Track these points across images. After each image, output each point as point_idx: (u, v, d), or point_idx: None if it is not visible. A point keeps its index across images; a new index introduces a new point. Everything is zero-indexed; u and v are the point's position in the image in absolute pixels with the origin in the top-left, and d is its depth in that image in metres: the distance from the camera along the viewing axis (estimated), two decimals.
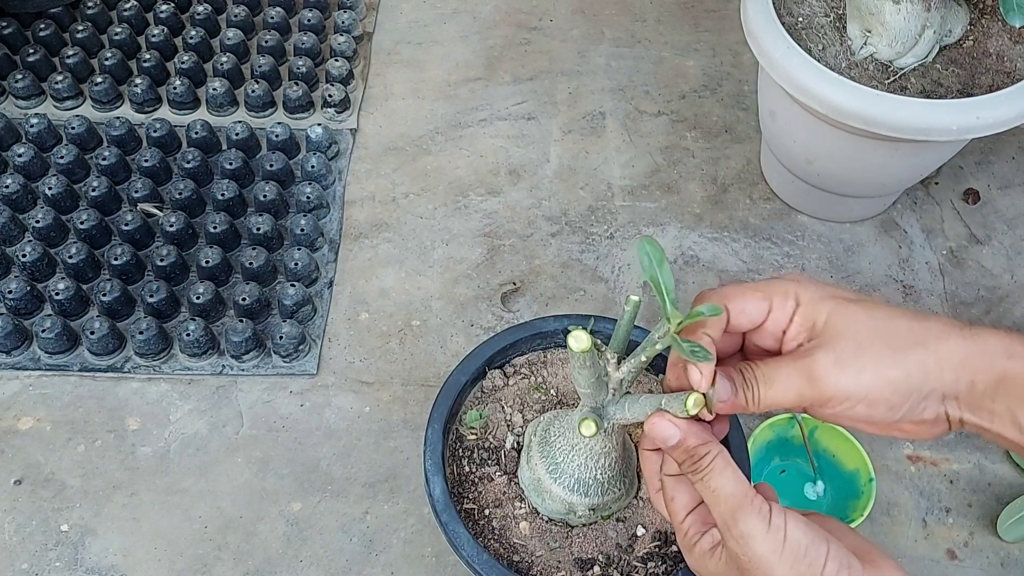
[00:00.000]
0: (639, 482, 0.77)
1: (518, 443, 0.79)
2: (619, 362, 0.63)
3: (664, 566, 0.74)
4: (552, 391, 0.83)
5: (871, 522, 0.98)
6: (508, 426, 0.80)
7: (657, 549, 0.75)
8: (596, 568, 0.73)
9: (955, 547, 0.97)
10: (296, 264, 1.12)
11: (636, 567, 0.74)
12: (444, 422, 0.76)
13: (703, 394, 0.56)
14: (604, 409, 0.66)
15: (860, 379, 0.49)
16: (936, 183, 1.29)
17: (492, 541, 0.73)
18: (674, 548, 0.75)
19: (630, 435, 0.78)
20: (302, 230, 1.16)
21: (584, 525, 0.75)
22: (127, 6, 1.40)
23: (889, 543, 0.97)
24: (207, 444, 1.02)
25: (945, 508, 1.00)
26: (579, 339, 0.58)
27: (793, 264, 1.19)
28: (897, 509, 0.99)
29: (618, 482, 0.73)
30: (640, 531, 0.76)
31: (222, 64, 1.33)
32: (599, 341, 0.63)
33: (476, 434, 0.79)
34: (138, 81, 1.30)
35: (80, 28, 1.36)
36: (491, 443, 0.79)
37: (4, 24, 1.34)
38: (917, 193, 1.27)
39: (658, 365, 0.82)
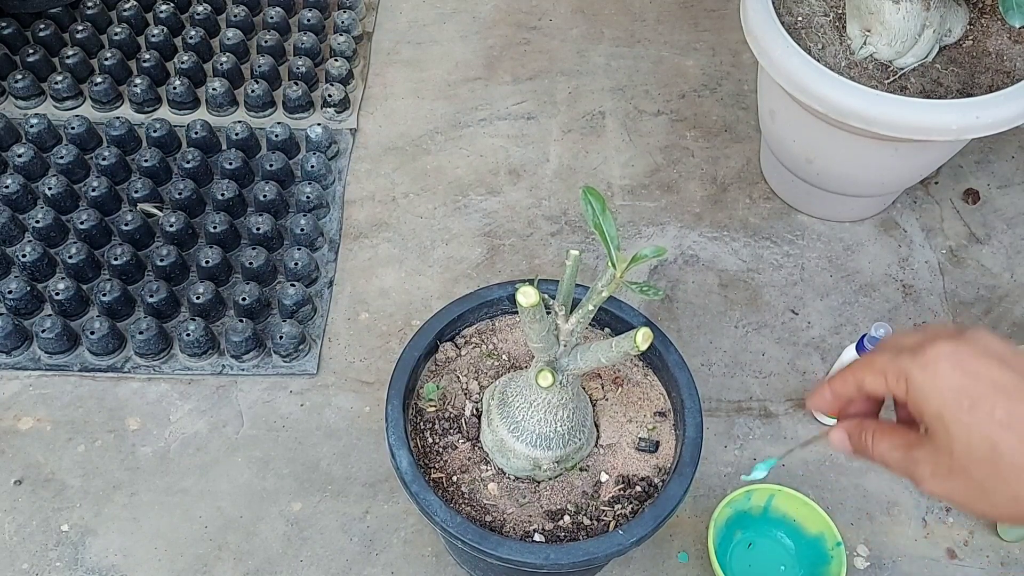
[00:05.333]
0: (598, 431, 0.80)
1: (477, 409, 0.80)
2: (568, 314, 0.67)
3: (631, 506, 0.76)
4: (504, 356, 0.84)
5: (871, 521, 0.98)
6: (466, 394, 0.81)
7: (622, 492, 0.77)
8: (566, 517, 0.75)
9: (955, 546, 0.97)
10: (296, 264, 1.12)
11: (604, 511, 0.76)
12: (403, 398, 0.77)
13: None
14: (558, 361, 0.69)
15: (952, 495, 0.47)
16: (936, 183, 1.29)
17: (463, 505, 0.75)
18: (638, 488, 0.77)
19: (583, 386, 0.80)
20: (302, 230, 1.16)
21: (550, 479, 0.77)
22: (127, 6, 1.40)
23: (889, 542, 0.97)
24: (207, 444, 1.02)
25: (945, 507, 1.00)
26: (527, 294, 0.61)
27: (793, 263, 1.19)
28: (897, 508, 0.99)
29: (578, 432, 0.75)
30: (604, 477, 0.78)
31: (222, 64, 1.33)
32: (547, 296, 0.65)
33: (435, 406, 0.81)
34: (138, 81, 1.30)
35: (80, 28, 1.36)
36: (451, 413, 0.80)
37: (4, 24, 1.34)
38: (917, 192, 1.27)
39: (602, 319, 0.84)
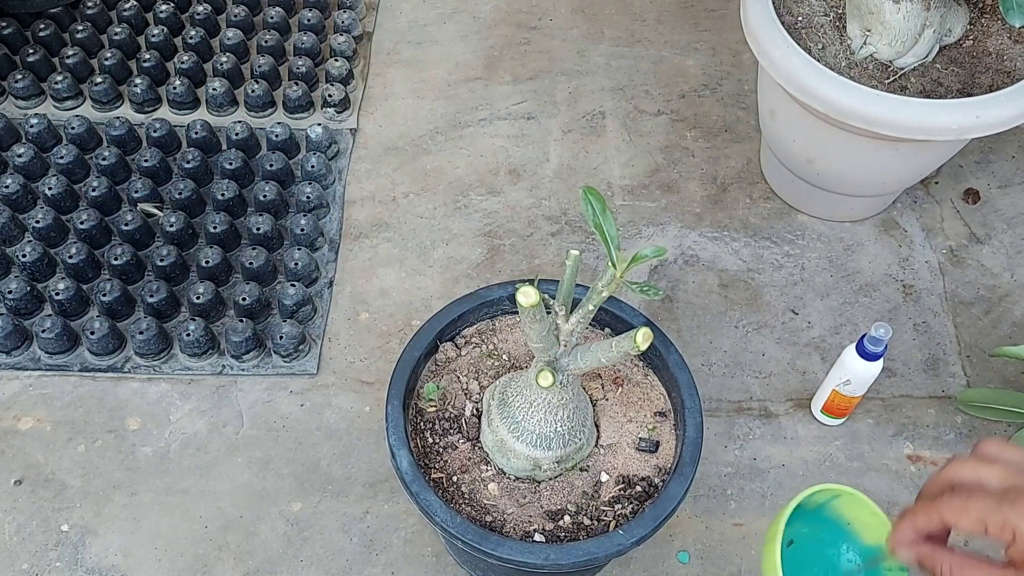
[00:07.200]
0: (598, 431, 0.80)
1: (477, 410, 0.80)
2: (568, 314, 0.67)
3: (631, 506, 0.76)
4: (504, 356, 0.84)
5: None
6: (466, 395, 0.81)
7: (622, 492, 0.77)
8: (566, 517, 0.75)
9: (955, 547, 0.97)
10: (296, 264, 1.12)
11: (604, 511, 0.76)
12: (403, 398, 0.77)
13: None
14: (558, 361, 0.69)
15: None
16: (936, 182, 1.29)
17: (464, 505, 0.75)
18: (638, 488, 0.77)
19: (583, 386, 0.80)
20: (302, 230, 1.16)
21: (550, 479, 0.77)
22: (127, 6, 1.40)
23: None
24: (207, 444, 1.02)
25: None
26: (527, 294, 0.61)
27: (793, 263, 1.19)
28: (897, 509, 0.99)
29: (578, 432, 0.75)
30: (604, 477, 0.78)
31: (222, 64, 1.33)
32: (547, 296, 0.65)
33: (435, 406, 0.81)
34: (138, 81, 1.30)
35: (80, 28, 1.36)
36: (451, 413, 0.80)
37: (4, 24, 1.34)
38: (917, 192, 1.27)
39: (602, 319, 0.84)
